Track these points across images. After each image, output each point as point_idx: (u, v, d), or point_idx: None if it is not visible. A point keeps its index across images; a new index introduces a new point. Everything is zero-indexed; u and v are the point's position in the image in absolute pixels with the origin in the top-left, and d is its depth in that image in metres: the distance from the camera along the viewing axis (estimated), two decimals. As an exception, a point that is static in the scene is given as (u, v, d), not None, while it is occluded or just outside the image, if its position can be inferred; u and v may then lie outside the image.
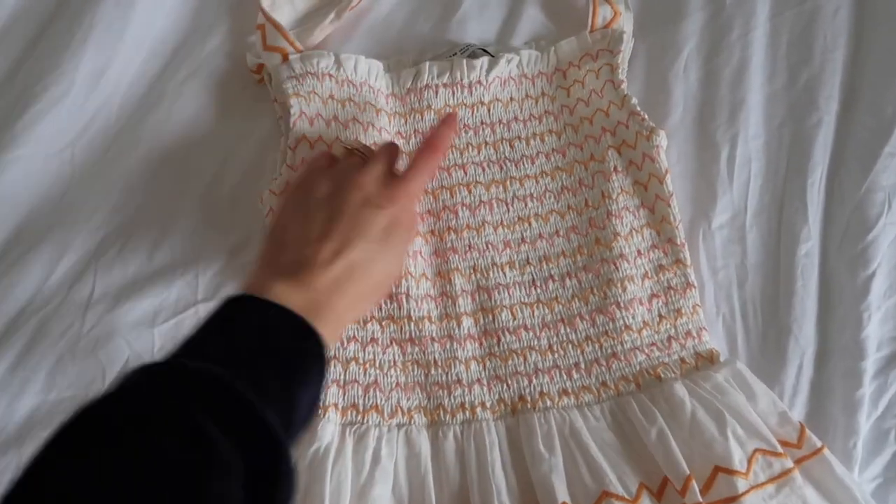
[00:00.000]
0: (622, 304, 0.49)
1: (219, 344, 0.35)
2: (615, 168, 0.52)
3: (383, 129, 0.54)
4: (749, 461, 0.43)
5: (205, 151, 0.54)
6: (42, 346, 0.48)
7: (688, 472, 0.43)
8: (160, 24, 0.56)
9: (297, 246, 0.41)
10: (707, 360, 0.48)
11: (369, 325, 0.49)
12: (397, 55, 0.57)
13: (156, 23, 0.56)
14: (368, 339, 0.49)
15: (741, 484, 0.42)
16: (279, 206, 0.45)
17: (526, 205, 0.53)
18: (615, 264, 0.50)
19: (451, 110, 0.54)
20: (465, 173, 0.53)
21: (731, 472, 0.42)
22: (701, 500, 0.42)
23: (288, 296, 0.38)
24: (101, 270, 0.50)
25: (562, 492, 0.42)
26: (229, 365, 0.33)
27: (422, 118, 0.54)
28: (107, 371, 0.48)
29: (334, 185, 0.43)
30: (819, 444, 0.44)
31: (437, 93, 0.54)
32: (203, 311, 0.49)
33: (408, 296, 0.50)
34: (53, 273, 0.50)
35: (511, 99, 0.55)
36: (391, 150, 0.46)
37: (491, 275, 0.51)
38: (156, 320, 0.49)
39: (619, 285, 0.50)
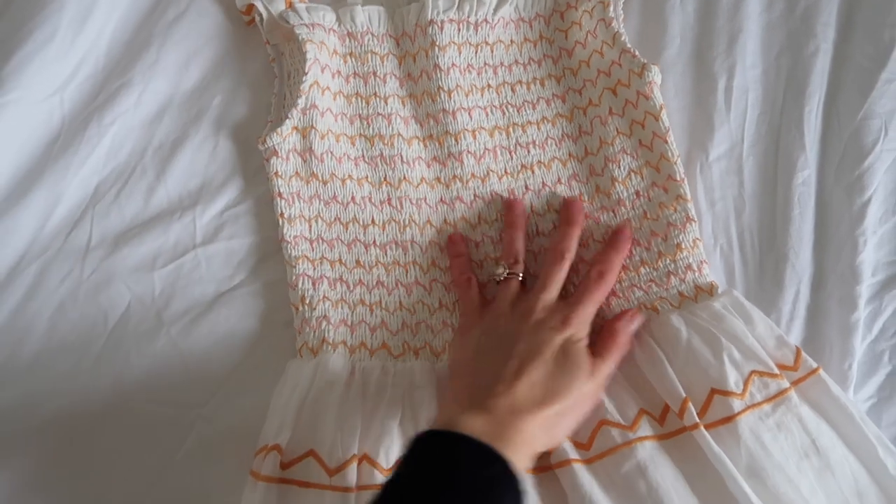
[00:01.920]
0: None
1: (409, 487, 0.36)
2: (611, 110, 0.52)
3: (387, 76, 0.53)
4: (745, 383, 0.44)
5: (197, 95, 0.54)
6: (43, 293, 0.48)
7: (684, 395, 0.44)
8: (144, -38, 0.55)
9: (479, 376, 0.42)
10: (706, 293, 0.49)
11: (375, 269, 0.50)
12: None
13: (141, -39, 0.55)
14: (375, 282, 0.50)
15: (737, 404, 0.43)
16: (457, 346, 0.47)
17: (529, 152, 0.53)
18: (613, 211, 0.51)
19: (455, 48, 0.53)
20: (471, 118, 0.52)
21: (727, 393, 0.44)
22: (698, 420, 0.43)
23: (472, 424, 0.38)
24: (98, 216, 0.50)
25: None
26: None
27: (426, 57, 0.53)
28: (108, 315, 0.48)
29: (509, 319, 0.45)
30: (815, 365, 0.45)
31: (442, 28, 0.53)
32: (201, 255, 0.50)
33: (412, 242, 0.51)
34: (49, 220, 0.50)
35: (511, 42, 0.55)
36: (553, 274, 0.47)
37: (497, 224, 0.51)
38: (155, 264, 0.49)
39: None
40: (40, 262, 0.49)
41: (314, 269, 0.49)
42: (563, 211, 0.50)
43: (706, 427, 0.43)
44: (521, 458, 0.38)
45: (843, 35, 0.54)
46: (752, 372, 0.44)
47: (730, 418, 0.43)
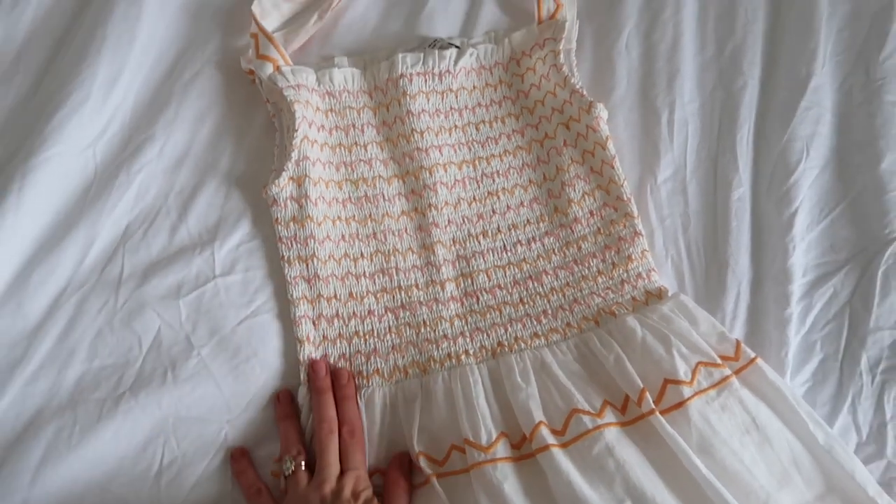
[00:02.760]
0: (579, 260, 0.57)
1: None
2: (565, 142, 0.60)
3: (364, 126, 0.61)
4: (693, 372, 0.51)
5: (212, 145, 0.61)
6: (83, 321, 0.55)
7: (641, 385, 0.50)
8: (163, 34, 0.63)
9: None
10: (656, 297, 0.56)
11: (366, 299, 0.56)
12: (373, 51, 0.65)
13: (159, 33, 0.63)
14: (366, 313, 0.56)
15: (686, 391, 0.50)
16: None
17: (494, 181, 0.60)
18: (571, 228, 0.58)
19: (423, 96, 0.61)
20: (441, 153, 0.60)
21: (677, 382, 0.50)
22: (654, 407, 0.50)
23: None
24: (129, 252, 0.57)
25: (538, 414, 0.50)
26: None
27: (399, 105, 0.61)
28: (142, 339, 0.55)
29: None
30: (753, 355, 0.52)
31: (411, 80, 0.61)
32: (221, 284, 0.56)
33: (397, 269, 0.57)
34: (87, 257, 0.56)
35: (474, 87, 0.63)
36: (327, 446, 0.50)
37: (468, 244, 0.58)
38: (180, 293, 0.56)
39: (575, 245, 0.58)
40: (80, 294, 0.55)
41: (313, 308, 0.55)
42: (310, 377, 0.53)
43: (661, 412, 0.49)
44: None
45: (766, 71, 0.63)
46: (699, 363, 0.51)
47: (681, 403, 0.49)
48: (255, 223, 0.59)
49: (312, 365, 0.53)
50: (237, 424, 0.53)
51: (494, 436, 0.50)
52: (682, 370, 0.51)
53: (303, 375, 0.54)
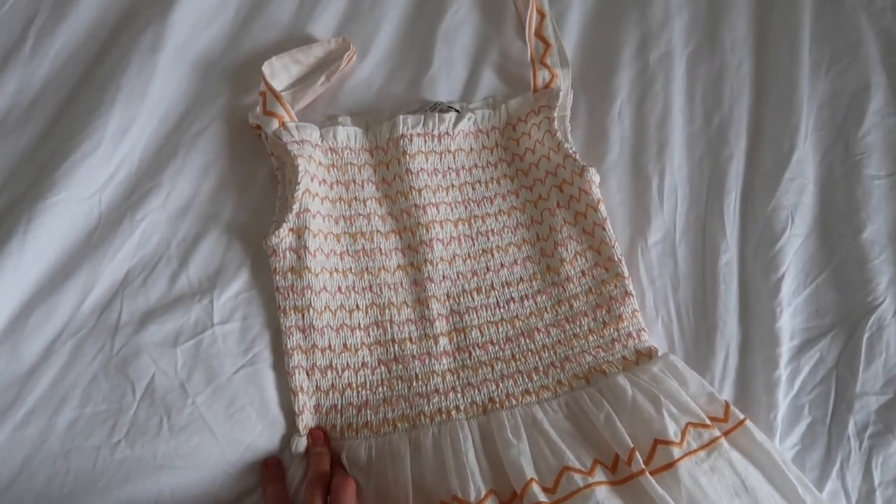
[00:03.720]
0: (570, 318, 0.59)
1: None
2: (558, 204, 0.62)
3: (364, 182, 0.63)
4: (683, 433, 0.51)
5: (216, 196, 0.62)
6: (78, 366, 0.54)
7: (631, 445, 0.51)
8: (174, 89, 0.65)
9: None
10: (646, 356, 0.57)
11: (360, 351, 0.57)
12: (376, 111, 0.67)
13: (171, 88, 0.65)
14: (360, 364, 0.57)
15: (676, 452, 0.50)
16: None
17: (488, 239, 0.62)
18: (563, 287, 0.59)
19: (423, 156, 0.64)
20: (438, 211, 0.62)
21: (667, 442, 0.51)
22: (644, 467, 0.50)
23: None
24: (128, 298, 0.57)
25: (529, 471, 0.50)
26: None
27: (399, 164, 0.63)
28: (136, 386, 0.55)
29: None
30: (742, 416, 0.53)
31: (411, 140, 0.63)
32: (219, 332, 0.57)
33: (391, 322, 0.58)
34: (85, 301, 0.57)
35: (471, 149, 0.65)
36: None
37: (462, 300, 0.59)
38: (178, 341, 0.56)
39: (567, 303, 0.59)
40: (76, 338, 0.55)
41: (307, 359, 0.56)
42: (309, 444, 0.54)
43: (651, 473, 0.49)
44: None
45: (752, 143, 0.66)
46: (688, 424, 0.52)
47: (671, 464, 0.50)
48: (255, 273, 0.59)
49: (312, 433, 0.54)
50: (232, 473, 0.53)
51: (483, 492, 0.49)
52: (672, 430, 0.51)
53: (299, 425, 0.54)
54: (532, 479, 0.49)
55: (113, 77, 0.63)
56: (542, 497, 0.49)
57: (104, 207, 0.60)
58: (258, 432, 0.54)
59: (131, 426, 0.52)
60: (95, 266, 0.58)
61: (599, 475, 0.50)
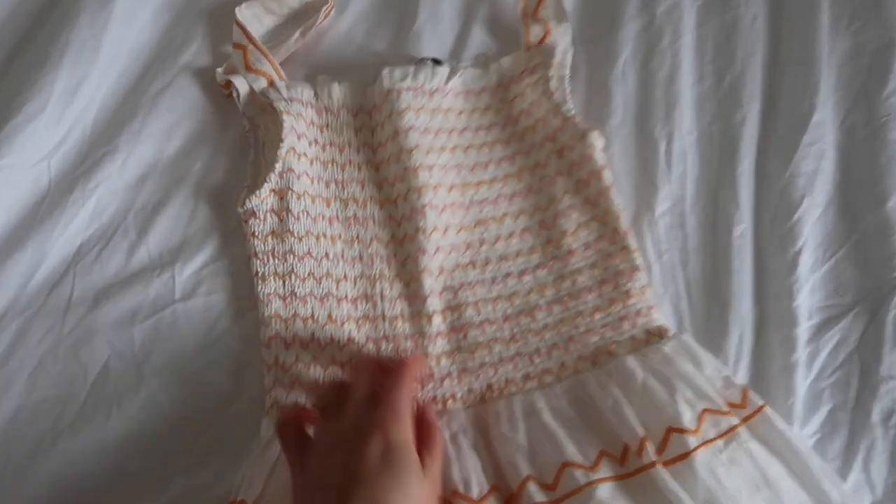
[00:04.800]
0: (574, 295, 0.53)
1: None
2: (558, 171, 0.57)
3: (361, 146, 0.57)
4: (699, 420, 0.47)
5: (179, 161, 0.57)
6: (23, 349, 0.49)
7: (642, 434, 0.46)
8: (132, 41, 0.59)
9: None
10: (657, 336, 0.52)
11: (346, 325, 0.52)
12: (358, 70, 0.61)
13: (128, 40, 0.59)
14: (346, 339, 0.51)
15: (692, 441, 0.45)
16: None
17: (482, 209, 0.56)
18: (565, 261, 0.54)
19: (413, 113, 0.58)
20: (431, 174, 0.56)
21: (682, 430, 0.46)
22: (655, 458, 0.45)
23: None
24: (80, 274, 0.52)
25: (525, 467, 0.45)
26: None
27: (389, 122, 0.57)
28: (88, 370, 0.49)
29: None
30: (761, 402, 0.48)
31: (399, 96, 0.58)
32: (180, 309, 0.51)
33: (382, 297, 0.53)
34: (33, 278, 0.51)
35: (461, 111, 0.59)
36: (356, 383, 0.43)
37: (456, 274, 0.54)
38: (135, 319, 0.51)
39: (570, 279, 0.54)
40: (22, 319, 0.50)
41: (287, 328, 0.51)
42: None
43: (664, 464, 0.45)
44: None
45: (767, 105, 0.61)
46: (705, 410, 0.47)
47: (686, 455, 0.45)
48: (223, 244, 0.54)
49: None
50: (184, 465, 0.48)
51: (486, 489, 0.45)
52: (687, 417, 0.46)
53: (267, 403, 0.49)
54: (528, 477, 0.45)
55: (62, 29, 0.57)
56: (539, 497, 0.44)
57: (54, 174, 0.55)
58: (217, 412, 0.49)
59: (80, 412, 0.47)
60: (44, 239, 0.53)
61: (605, 469, 0.46)
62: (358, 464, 0.37)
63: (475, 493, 0.45)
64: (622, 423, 0.47)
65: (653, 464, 0.45)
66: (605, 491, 0.44)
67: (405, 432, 0.39)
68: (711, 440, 0.46)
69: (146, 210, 0.55)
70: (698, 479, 0.44)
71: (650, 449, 0.45)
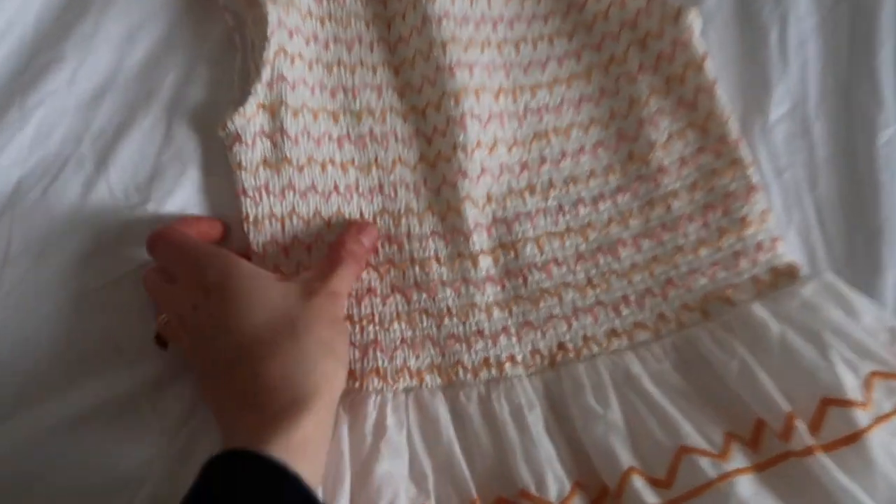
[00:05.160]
0: (669, 225, 0.41)
1: None
2: (641, 66, 0.44)
3: (374, 42, 0.45)
4: (866, 387, 0.34)
5: (145, 72, 0.45)
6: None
7: (787, 408, 0.34)
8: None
9: None
10: (787, 276, 0.39)
11: (364, 273, 0.40)
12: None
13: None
14: (364, 290, 0.40)
15: (861, 417, 0.33)
16: None
17: (542, 119, 0.44)
18: (655, 181, 0.42)
19: None
20: (471, 75, 0.43)
21: (844, 402, 0.33)
22: (812, 441, 0.32)
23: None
24: (19, 221, 0.40)
25: (625, 455, 0.34)
26: None
27: (414, 9, 0.44)
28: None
29: None
30: (941, 361, 0.35)
31: None
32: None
33: (409, 236, 0.41)
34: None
35: None
36: None
37: (509, 203, 0.42)
38: (96, 278, 0.39)
39: (662, 204, 0.42)
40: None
41: None
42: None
43: (824, 449, 0.32)
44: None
45: (909, -27, 0.46)
46: (873, 373, 0.34)
47: (855, 436, 0.33)
48: (206, 178, 0.43)
49: None
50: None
51: (568, 488, 0.33)
52: (850, 384, 0.34)
53: None
54: (631, 469, 0.33)
55: None
56: (650, 497, 0.32)
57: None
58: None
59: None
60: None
61: (737, 457, 0.33)
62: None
63: (553, 493, 0.33)
64: (756, 394, 0.35)
65: (808, 450, 0.32)
66: (746, 487, 0.32)
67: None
68: (887, 415, 0.33)
69: (105, 135, 0.43)
70: (876, 469, 0.32)
71: (801, 429, 0.33)
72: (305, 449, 0.29)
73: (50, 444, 0.37)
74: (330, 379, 0.32)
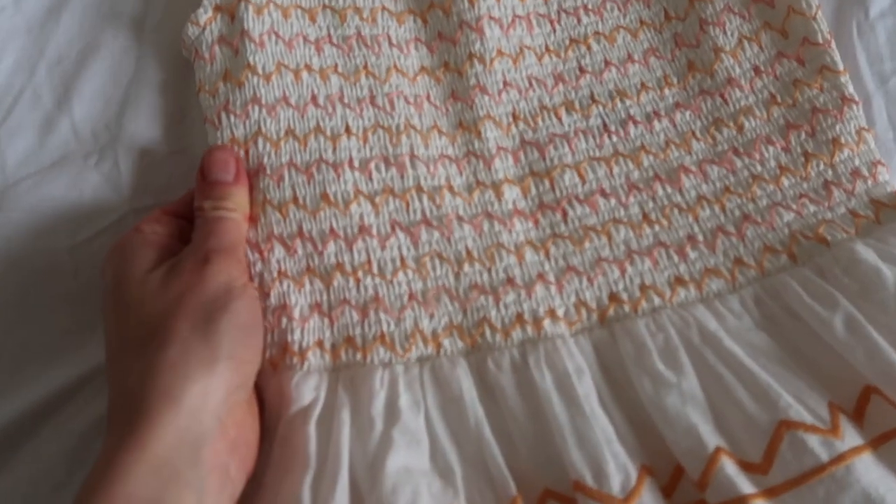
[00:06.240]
0: (743, 149, 0.34)
1: None
2: None
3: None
4: None
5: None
6: None
7: None
8: None
9: None
10: (892, 208, 0.32)
11: (354, 205, 0.32)
12: None
13: None
14: (356, 230, 0.32)
15: None
16: None
17: (579, 21, 0.38)
18: (722, 95, 0.35)
19: None
20: None
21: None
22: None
23: None
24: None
25: (709, 432, 0.27)
26: None
27: None
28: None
29: None
30: None
31: None
32: (135, 220, 0.33)
33: (413, 157, 0.34)
34: None
35: None
36: None
37: (540, 122, 0.35)
38: (72, 239, 0.34)
39: (732, 123, 0.35)
40: None
41: (256, 226, 0.32)
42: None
43: None
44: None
45: None
46: None
47: None
48: (186, 108, 0.37)
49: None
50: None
51: (634, 476, 0.26)
52: None
53: None
54: (719, 450, 0.26)
55: None
56: (745, 486, 0.26)
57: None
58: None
59: None
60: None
61: (850, 433, 0.27)
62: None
63: (615, 484, 0.26)
64: (869, 357, 0.28)
65: None
66: (867, 470, 0.26)
67: None
68: None
69: (66, 63, 0.37)
70: None
71: (929, 399, 0.26)
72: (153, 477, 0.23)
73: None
74: (175, 398, 0.25)
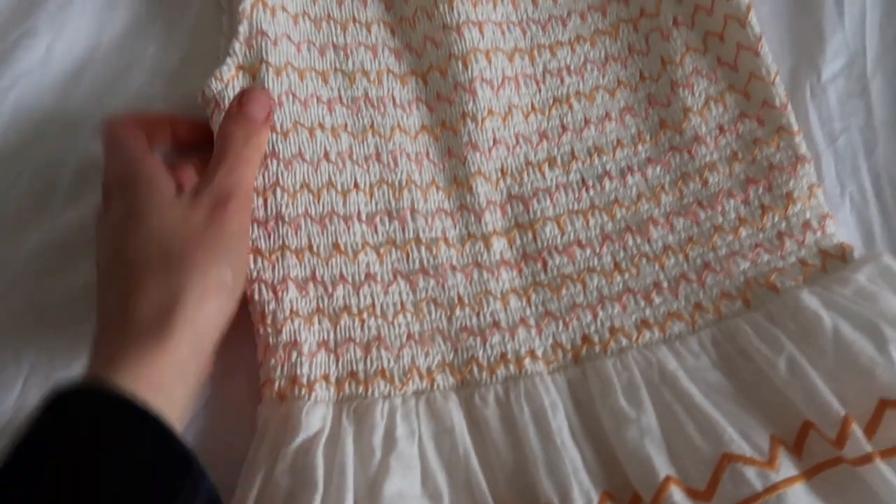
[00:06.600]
0: (706, 202, 0.38)
1: None
2: (675, 20, 0.40)
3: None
4: (930, 387, 0.30)
5: (128, 44, 0.41)
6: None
7: (840, 410, 0.30)
8: None
9: None
10: (837, 259, 0.36)
11: (362, 255, 0.36)
12: None
13: None
14: (363, 277, 0.36)
15: (925, 420, 0.29)
16: None
17: (562, 81, 0.40)
18: (689, 152, 0.38)
19: None
20: (482, 34, 0.39)
21: (905, 405, 0.30)
22: (869, 448, 0.29)
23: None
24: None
25: (662, 462, 0.30)
26: None
27: None
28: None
29: None
30: None
31: None
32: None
33: (413, 211, 0.37)
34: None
35: None
36: None
37: (526, 178, 0.38)
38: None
39: (698, 178, 0.38)
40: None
41: (273, 268, 0.35)
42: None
43: (881, 456, 0.29)
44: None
45: None
46: None
47: None
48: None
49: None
50: None
51: (595, 501, 0.30)
52: (912, 384, 0.30)
53: (262, 379, 0.34)
54: (669, 479, 0.30)
55: None
56: None
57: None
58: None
59: None
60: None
61: (785, 465, 0.30)
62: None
63: None
64: (806, 395, 0.31)
65: (867, 458, 0.29)
66: (797, 498, 0.29)
67: None
68: (954, 420, 0.30)
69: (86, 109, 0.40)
70: (941, 482, 0.28)
71: (858, 434, 0.29)
72: (154, 389, 0.27)
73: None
74: (193, 317, 0.29)
